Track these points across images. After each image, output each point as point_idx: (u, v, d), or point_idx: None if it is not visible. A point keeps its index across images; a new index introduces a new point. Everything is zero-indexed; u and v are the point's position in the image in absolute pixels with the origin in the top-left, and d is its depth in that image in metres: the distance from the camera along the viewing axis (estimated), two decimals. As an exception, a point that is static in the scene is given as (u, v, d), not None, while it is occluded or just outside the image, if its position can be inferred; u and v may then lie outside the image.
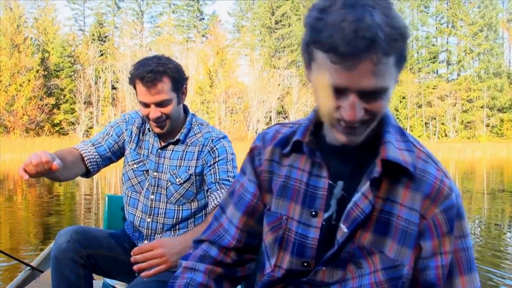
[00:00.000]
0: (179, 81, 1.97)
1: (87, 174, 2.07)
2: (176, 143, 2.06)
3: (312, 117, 1.08)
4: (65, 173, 1.88)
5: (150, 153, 2.09)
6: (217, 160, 2.00)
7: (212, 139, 2.04)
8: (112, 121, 2.24)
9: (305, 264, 1.04)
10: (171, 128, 2.02)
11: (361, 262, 1.00)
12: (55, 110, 44.97)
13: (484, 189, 12.36)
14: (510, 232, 6.65)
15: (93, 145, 2.05)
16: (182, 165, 2.03)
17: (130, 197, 2.13)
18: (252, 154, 1.16)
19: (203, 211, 2.06)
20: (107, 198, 2.43)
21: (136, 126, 2.15)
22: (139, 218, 2.08)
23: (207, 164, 2.02)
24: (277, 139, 1.13)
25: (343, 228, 0.99)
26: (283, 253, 1.07)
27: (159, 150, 2.07)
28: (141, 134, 2.15)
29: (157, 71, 1.89)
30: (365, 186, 0.98)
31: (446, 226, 0.98)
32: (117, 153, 2.15)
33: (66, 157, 1.87)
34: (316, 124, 1.07)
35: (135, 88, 1.97)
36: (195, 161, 2.02)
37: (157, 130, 2.00)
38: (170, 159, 2.05)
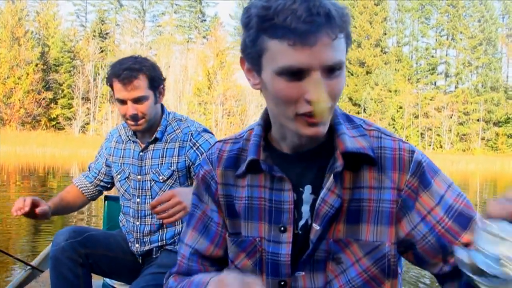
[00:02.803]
0: (155, 80, 1.98)
1: (91, 200, 2.32)
2: (154, 142, 2.06)
3: (259, 132, 1.04)
4: (66, 211, 2.27)
5: (133, 158, 2.11)
6: None
7: (192, 133, 2.02)
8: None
9: (282, 283, 1.01)
10: (148, 127, 2.01)
11: (340, 257, 0.97)
12: (52, 105, 44.88)
13: (477, 200, 12.42)
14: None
15: (84, 176, 2.29)
16: (164, 162, 2.03)
17: (124, 206, 2.18)
18: (206, 181, 1.10)
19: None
20: (106, 199, 2.44)
21: (115, 141, 2.20)
22: (131, 223, 2.11)
23: (193, 162, 2.01)
24: (224, 160, 1.09)
25: (315, 227, 0.97)
26: (265, 277, 1.03)
27: (140, 154, 2.08)
28: (121, 144, 2.18)
29: (133, 68, 1.92)
30: (329, 182, 0.96)
31: (422, 186, 0.96)
32: (104, 180, 2.27)
33: (64, 199, 2.21)
34: (265, 138, 1.04)
35: (112, 88, 1.99)
36: (176, 157, 2.02)
37: (134, 128, 2.00)
38: (151, 158, 2.06)
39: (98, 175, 2.25)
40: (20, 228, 6.29)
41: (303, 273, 0.99)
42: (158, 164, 2.04)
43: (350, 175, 0.98)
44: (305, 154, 1.01)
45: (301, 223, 1.00)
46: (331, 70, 0.87)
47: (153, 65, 2.01)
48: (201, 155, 1.98)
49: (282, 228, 1.00)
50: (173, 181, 2.03)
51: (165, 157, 2.04)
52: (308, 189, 1.00)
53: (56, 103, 45.30)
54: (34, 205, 1.91)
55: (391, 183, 0.96)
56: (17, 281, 2.21)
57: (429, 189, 0.96)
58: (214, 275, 0.90)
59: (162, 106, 2.13)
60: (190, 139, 2.02)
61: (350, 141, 0.97)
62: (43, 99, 43.21)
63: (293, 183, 1.00)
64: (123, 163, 2.14)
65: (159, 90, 2.03)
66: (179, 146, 2.03)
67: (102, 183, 2.27)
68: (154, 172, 2.04)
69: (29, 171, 15.38)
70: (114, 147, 2.19)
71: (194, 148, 2.01)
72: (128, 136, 2.14)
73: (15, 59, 41.44)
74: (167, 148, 2.04)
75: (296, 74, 0.87)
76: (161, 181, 2.03)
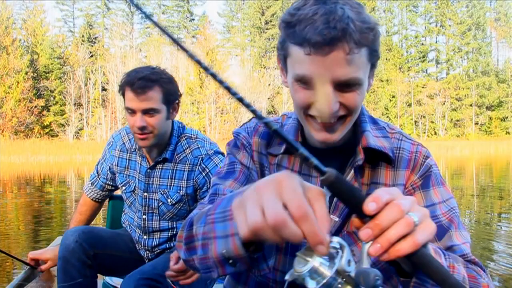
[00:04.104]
0: (171, 94, 1.90)
1: (101, 203, 2.38)
2: (163, 161, 2.00)
3: (297, 117, 1.09)
4: (88, 223, 2.34)
5: (139, 173, 2.05)
6: None
7: (202, 158, 1.96)
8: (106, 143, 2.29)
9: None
10: (155, 143, 1.93)
11: (352, 250, 0.98)
12: (44, 112, 44.66)
13: (473, 185, 12.49)
14: (499, 223, 6.78)
15: (92, 184, 2.28)
16: (172, 184, 1.98)
17: (128, 215, 2.18)
18: (244, 145, 1.13)
19: None
20: (110, 198, 2.45)
21: (119, 149, 2.14)
22: (138, 234, 2.12)
23: (201, 187, 1.96)
24: (260, 132, 1.14)
25: (334, 218, 1.01)
26: (281, 256, 1.05)
27: (148, 170, 2.02)
28: (125, 153, 2.12)
29: (149, 79, 1.84)
30: (350, 175, 1.01)
31: (421, 186, 1.04)
32: (112, 185, 2.28)
33: (79, 220, 2.29)
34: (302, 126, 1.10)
35: (124, 96, 1.90)
36: (185, 181, 1.97)
37: (141, 142, 1.90)
38: (160, 178, 2.00)
39: (107, 180, 2.23)
40: (19, 230, 6.29)
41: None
42: (167, 185, 1.99)
43: (369, 171, 1.04)
44: (331, 148, 1.04)
45: None
46: (346, 85, 0.90)
47: (171, 78, 1.93)
48: (209, 181, 1.94)
49: None
50: (182, 204, 2.00)
51: (174, 179, 1.98)
52: None
53: (48, 110, 45.08)
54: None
55: (403, 180, 1.04)
56: (17, 281, 2.21)
57: (425, 191, 1.03)
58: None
59: (172, 120, 2.04)
60: (200, 164, 1.96)
61: (373, 139, 1.03)
62: (35, 107, 43.00)
63: None
64: (128, 175, 2.10)
65: (173, 106, 1.95)
66: (188, 170, 1.96)
67: (111, 187, 2.28)
68: (162, 193, 2.00)
69: (25, 180, 15.31)
70: (119, 156, 2.13)
71: (204, 174, 1.96)
72: (134, 148, 2.08)
73: (4, 68, 41.18)
74: (176, 170, 1.98)
75: (310, 83, 0.91)
76: (170, 204, 2.00)
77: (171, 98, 1.92)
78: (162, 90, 1.87)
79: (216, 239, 0.73)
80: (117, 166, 2.12)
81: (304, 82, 0.92)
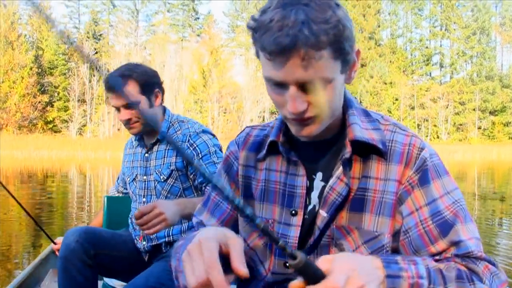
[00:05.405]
0: (147, 84, 2.03)
1: None
2: (156, 143, 2.13)
3: (282, 118, 1.08)
4: None
5: (140, 160, 2.19)
6: (201, 156, 2.03)
7: (190, 135, 2.06)
8: None
9: (288, 264, 1.00)
10: (147, 129, 2.08)
11: (341, 243, 1.00)
12: (48, 108, 44.80)
13: (475, 190, 12.48)
14: (500, 230, 6.80)
15: (114, 187, 2.47)
16: (165, 162, 2.09)
17: (134, 208, 2.23)
18: (229, 161, 1.17)
19: None
20: (106, 199, 2.47)
21: (128, 147, 2.32)
22: None
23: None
24: (250, 143, 1.16)
25: (322, 213, 1.00)
26: (273, 257, 1.08)
27: (145, 155, 2.16)
28: (131, 149, 2.27)
29: (122, 75, 1.98)
30: (339, 170, 1.00)
31: (419, 182, 0.99)
32: (123, 187, 2.45)
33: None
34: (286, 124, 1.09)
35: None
36: (175, 157, 2.07)
37: (131, 131, 2.08)
38: (155, 159, 2.12)
39: (120, 181, 2.41)
40: (21, 228, 6.33)
41: (308, 257, 1.03)
42: (161, 164, 2.10)
43: (360, 165, 1.02)
44: (320, 142, 1.05)
45: (309, 208, 1.05)
46: (309, 86, 0.90)
47: (146, 70, 2.06)
48: (197, 155, 2.02)
49: (293, 212, 1.05)
50: (174, 180, 2.08)
51: (166, 157, 2.09)
52: (319, 176, 1.04)
53: (52, 106, 45.22)
54: None
55: (396, 176, 1.00)
56: (18, 282, 2.22)
57: (424, 187, 0.98)
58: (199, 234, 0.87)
59: (164, 108, 2.18)
60: (188, 140, 2.06)
61: (361, 131, 1.00)
62: (39, 102, 43.13)
63: (306, 169, 1.05)
64: (133, 167, 2.23)
65: (154, 93, 2.08)
66: None
67: (123, 189, 2.43)
68: (157, 172, 2.10)
69: (28, 175, 15.38)
70: (128, 153, 2.30)
71: (191, 149, 2.04)
72: (136, 141, 2.23)
73: (9, 63, 41.33)
74: (168, 149, 2.10)
75: (276, 84, 0.92)
76: (162, 180, 2.08)
77: (148, 87, 2.05)
78: (137, 83, 2.00)
79: (182, 273, 0.86)
80: (126, 161, 2.28)
81: (272, 83, 0.93)
